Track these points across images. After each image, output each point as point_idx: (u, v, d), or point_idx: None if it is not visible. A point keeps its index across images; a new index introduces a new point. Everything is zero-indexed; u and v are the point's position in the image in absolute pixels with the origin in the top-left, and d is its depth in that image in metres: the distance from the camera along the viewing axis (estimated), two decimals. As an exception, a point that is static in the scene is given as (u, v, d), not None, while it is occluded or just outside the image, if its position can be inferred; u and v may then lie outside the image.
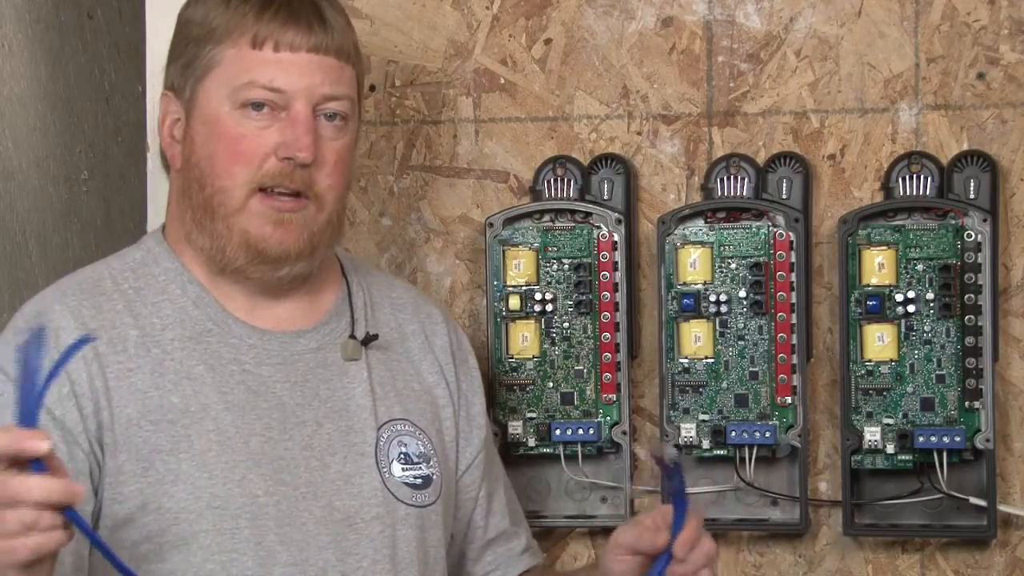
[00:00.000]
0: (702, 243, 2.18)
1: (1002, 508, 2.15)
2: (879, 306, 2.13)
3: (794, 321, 2.16)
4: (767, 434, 2.16)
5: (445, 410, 1.98)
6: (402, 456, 1.89)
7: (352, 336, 1.92)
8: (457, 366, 2.01)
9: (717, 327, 2.18)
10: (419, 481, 1.90)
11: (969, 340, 2.12)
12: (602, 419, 2.22)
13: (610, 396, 2.21)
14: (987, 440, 2.12)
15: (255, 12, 1.84)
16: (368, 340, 1.92)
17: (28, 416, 1.51)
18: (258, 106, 1.83)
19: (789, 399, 2.16)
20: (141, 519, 1.78)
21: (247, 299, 1.88)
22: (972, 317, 2.12)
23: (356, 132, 1.91)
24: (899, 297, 2.13)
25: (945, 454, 2.13)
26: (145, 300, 1.86)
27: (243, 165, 1.83)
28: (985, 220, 2.11)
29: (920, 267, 2.13)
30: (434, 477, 1.91)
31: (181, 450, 1.80)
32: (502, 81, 2.27)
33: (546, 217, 2.23)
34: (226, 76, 1.84)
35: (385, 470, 1.87)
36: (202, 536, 1.78)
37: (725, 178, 2.20)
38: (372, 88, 2.29)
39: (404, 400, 1.93)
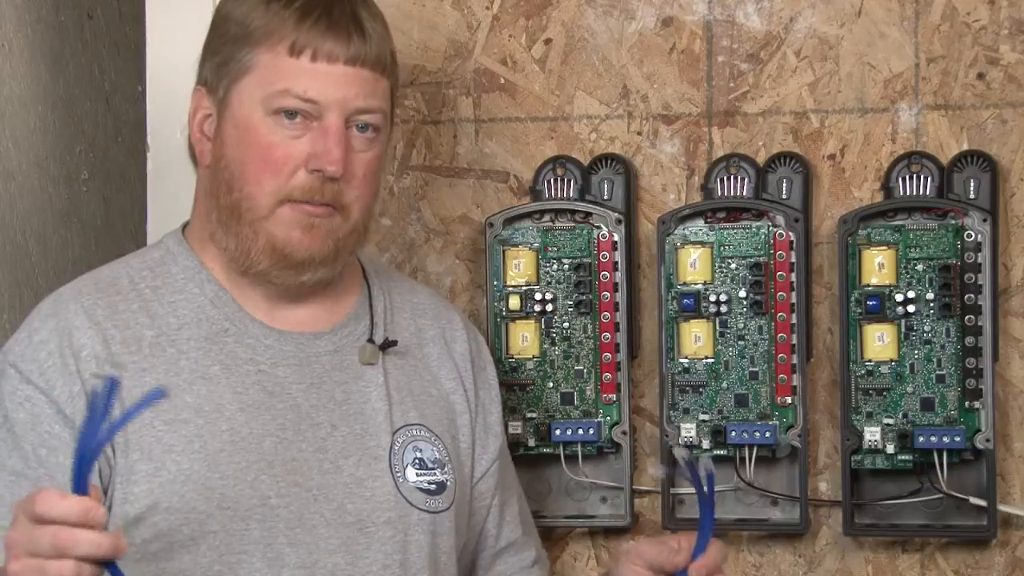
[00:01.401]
0: (702, 243, 2.18)
1: (1002, 508, 2.15)
2: (879, 306, 2.14)
3: (794, 321, 2.16)
4: (767, 434, 2.16)
5: (462, 417, 1.97)
6: (417, 461, 1.89)
7: (370, 340, 1.91)
8: (476, 373, 2.00)
9: (717, 327, 2.18)
10: (433, 487, 1.89)
11: (969, 340, 2.12)
12: (602, 419, 2.22)
13: (610, 396, 2.21)
14: (987, 440, 2.12)
15: (295, 18, 1.82)
16: (387, 345, 1.91)
17: (85, 465, 1.51)
18: (291, 114, 1.82)
19: (789, 399, 2.16)
20: (151, 518, 1.77)
21: (266, 300, 1.88)
22: (972, 317, 2.12)
23: (387, 141, 1.90)
24: (899, 297, 2.13)
25: (945, 454, 2.13)
26: (162, 299, 1.86)
27: (273, 174, 1.82)
28: (985, 220, 2.11)
29: (920, 267, 2.13)
30: (448, 483, 1.91)
31: (193, 450, 1.79)
32: (502, 81, 2.27)
33: (546, 217, 2.23)
34: (261, 81, 1.82)
35: (399, 475, 1.87)
36: (211, 536, 1.78)
37: (725, 178, 2.20)
38: (372, 88, 2.29)
39: (421, 405, 1.93)
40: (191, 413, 1.80)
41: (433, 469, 1.90)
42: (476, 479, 1.98)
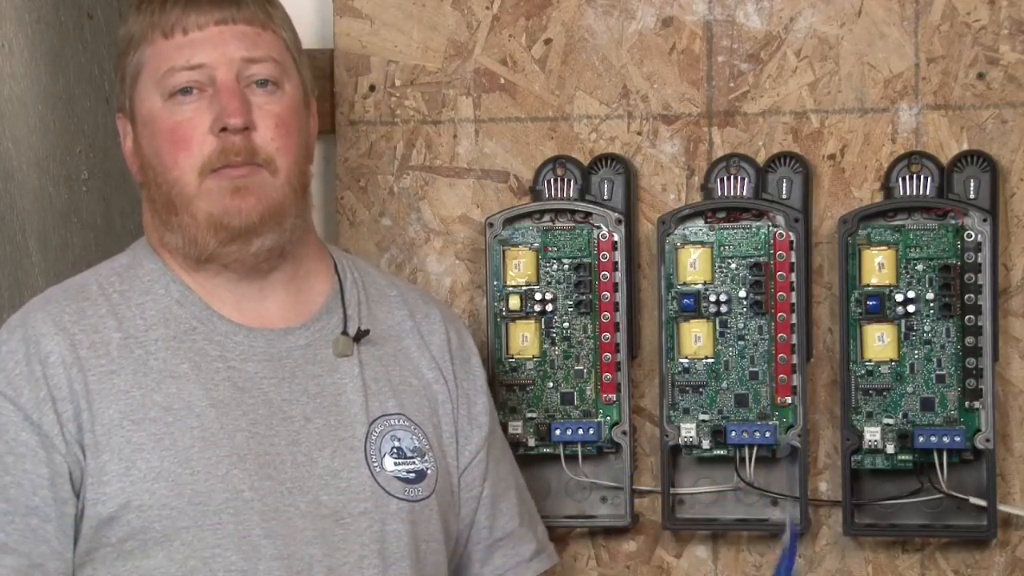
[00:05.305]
0: (702, 243, 2.18)
1: (1002, 508, 2.15)
2: (879, 306, 2.13)
3: (794, 321, 2.16)
4: (767, 434, 2.16)
5: (444, 406, 1.97)
6: (395, 450, 1.90)
7: (344, 332, 1.92)
8: (457, 365, 2.00)
9: (717, 327, 2.18)
10: (412, 475, 1.90)
11: (969, 340, 2.12)
12: (602, 419, 2.22)
13: (610, 396, 2.21)
14: (987, 440, 2.12)
15: (159, 7, 1.88)
16: (360, 336, 1.92)
17: None
18: (186, 91, 1.86)
19: (789, 399, 2.16)
20: (124, 517, 1.79)
21: (231, 293, 1.89)
22: (972, 317, 2.12)
23: (299, 97, 1.91)
24: (899, 297, 2.13)
25: (945, 454, 2.13)
26: (129, 302, 1.88)
27: (185, 151, 1.84)
28: (985, 220, 2.11)
29: (920, 267, 2.13)
30: (428, 471, 1.91)
31: (163, 447, 1.80)
32: (502, 81, 2.27)
33: (546, 217, 2.23)
34: (150, 73, 1.87)
35: (376, 464, 1.88)
36: (184, 532, 1.79)
37: (725, 178, 2.20)
38: (372, 88, 2.29)
39: (399, 395, 1.93)
40: (160, 411, 1.82)
41: (412, 458, 1.91)
42: (461, 469, 1.99)
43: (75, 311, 1.85)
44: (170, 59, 1.86)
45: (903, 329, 2.14)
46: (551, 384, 2.22)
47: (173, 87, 1.85)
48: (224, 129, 1.83)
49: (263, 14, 1.90)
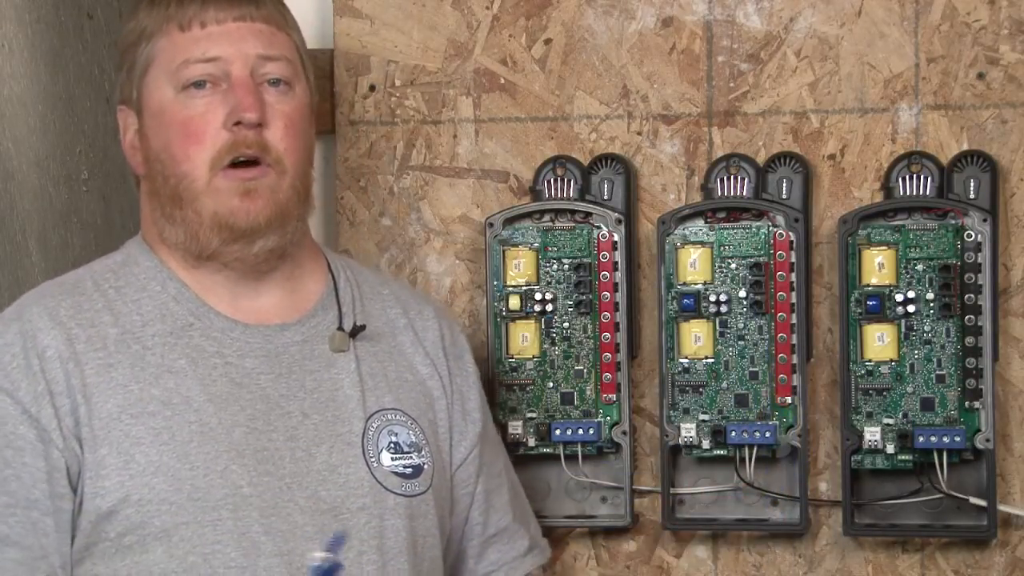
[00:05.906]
0: (702, 243, 2.18)
1: (1002, 508, 2.14)
2: (879, 306, 2.13)
3: (794, 321, 2.16)
4: (767, 434, 2.16)
5: (439, 402, 1.98)
6: (392, 445, 1.90)
7: (340, 328, 1.92)
8: (451, 361, 2.01)
9: (717, 327, 2.18)
10: (409, 470, 1.90)
11: (969, 340, 2.12)
12: (602, 419, 2.22)
13: (610, 396, 2.21)
14: (987, 440, 2.12)
15: (176, 1, 1.88)
16: (356, 331, 1.93)
17: None
18: (200, 84, 1.86)
19: (789, 399, 2.16)
20: (123, 511, 1.79)
21: (228, 291, 1.90)
22: (972, 317, 2.12)
23: (307, 100, 1.92)
24: (899, 297, 2.13)
25: (945, 454, 2.13)
26: (125, 298, 1.88)
27: (197, 144, 1.85)
28: (985, 220, 2.11)
29: (920, 267, 2.13)
30: (425, 466, 1.92)
31: (162, 442, 1.81)
32: (502, 81, 2.27)
33: (546, 217, 2.23)
34: (164, 64, 1.87)
35: (373, 460, 1.88)
36: (183, 528, 1.79)
37: (725, 178, 2.20)
38: (372, 88, 2.29)
39: (396, 390, 1.94)
40: (158, 406, 1.82)
41: (409, 453, 1.91)
42: (456, 466, 1.99)
43: (71, 305, 1.86)
44: (186, 51, 1.86)
45: (903, 329, 2.14)
46: (551, 384, 2.22)
47: (187, 79, 1.86)
48: (238, 123, 1.84)
49: (279, 15, 1.91)
